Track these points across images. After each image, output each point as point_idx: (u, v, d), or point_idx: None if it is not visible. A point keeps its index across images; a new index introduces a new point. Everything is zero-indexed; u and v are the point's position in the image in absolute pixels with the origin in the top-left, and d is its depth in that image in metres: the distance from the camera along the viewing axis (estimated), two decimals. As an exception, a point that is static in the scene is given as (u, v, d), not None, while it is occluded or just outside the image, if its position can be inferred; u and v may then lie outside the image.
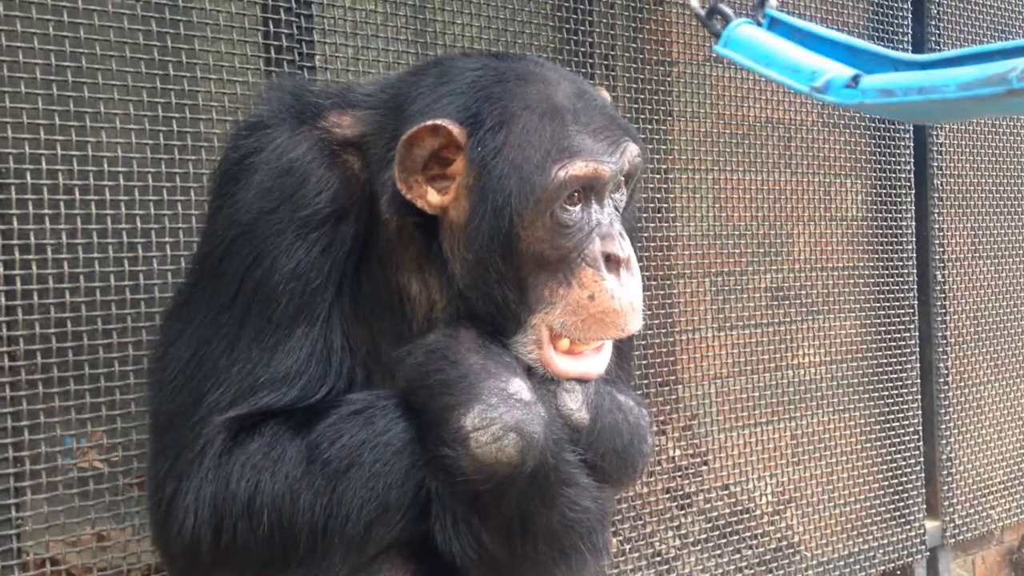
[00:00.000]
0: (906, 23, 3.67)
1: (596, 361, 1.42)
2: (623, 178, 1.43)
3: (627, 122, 1.49)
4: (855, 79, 1.27)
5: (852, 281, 3.62)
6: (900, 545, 3.65)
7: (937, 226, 3.80)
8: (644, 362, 3.01)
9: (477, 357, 1.35)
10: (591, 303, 1.37)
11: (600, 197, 1.40)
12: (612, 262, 1.38)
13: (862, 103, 1.27)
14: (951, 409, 3.85)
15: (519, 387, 1.33)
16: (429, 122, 1.36)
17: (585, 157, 1.36)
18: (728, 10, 1.45)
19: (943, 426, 3.81)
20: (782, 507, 3.37)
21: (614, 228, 1.40)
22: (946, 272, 3.84)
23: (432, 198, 1.39)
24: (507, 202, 1.34)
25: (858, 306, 3.63)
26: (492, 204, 1.35)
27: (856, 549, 3.53)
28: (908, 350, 3.72)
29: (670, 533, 3.05)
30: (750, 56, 1.40)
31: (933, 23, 3.77)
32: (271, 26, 2.26)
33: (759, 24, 1.44)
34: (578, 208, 1.38)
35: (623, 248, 1.39)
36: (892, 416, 3.68)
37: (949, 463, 3.82)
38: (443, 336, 1.38)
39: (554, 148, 1.35)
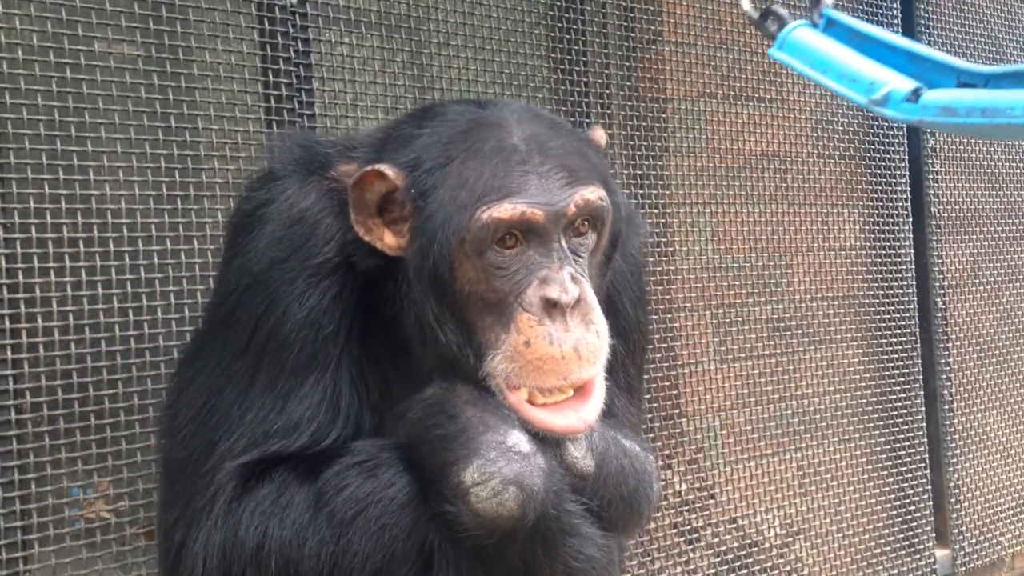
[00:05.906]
0: (895, 5, 3.69)
1: (580, 414, 1.36)
2: (584, 221, 1.40)
3: (597, 164, 1.46)
4: (916, 93, 1.17)
5: (853, 310, 3.63)
6: (910, 574, 3.63)
7: (936, 253, 3.81)
8: (648, 396, 3.01)
9: (474, 410, 1.34)
10: (527, 349, 1.33)
11: (545, 240, 1.36)
12: (558, 307, 1.34)
13: (922, 120, 1.18)
14: (957, 436, 3.84)
15: (517, 439, 1.32)
16: (370, 167, 1.39)
17: (514, 199, 1.33)
18: (783, 12, 1.35)
19: (949, 453, 3.80)
20: (791, 539, 3.35)
21: (562, 272, 1.35)
22: (946, 299, 3.85)
23: (388, 239, 1.41)
24: (434, 242, 1.35)
25: (860, 335, 3.64)
26: (422, 244, 1.37)
27: (866, 579, 3.51)
28: (911, 378, 3.71)
29: (679, 569, 3.04)
30: (805, 61, 1.31)
31: (923, 6, 3.79)
32: (271, 75, 2.30)
33: (815, 25, 1.33)
34: (515, 251, 1.36)
35: (567, 291, 1.34)
36: (898, 444, 3.67)
37: (957, 490, 3.80)
38: (440, 390, 1.38)
39: (485, 190, 1.34)
